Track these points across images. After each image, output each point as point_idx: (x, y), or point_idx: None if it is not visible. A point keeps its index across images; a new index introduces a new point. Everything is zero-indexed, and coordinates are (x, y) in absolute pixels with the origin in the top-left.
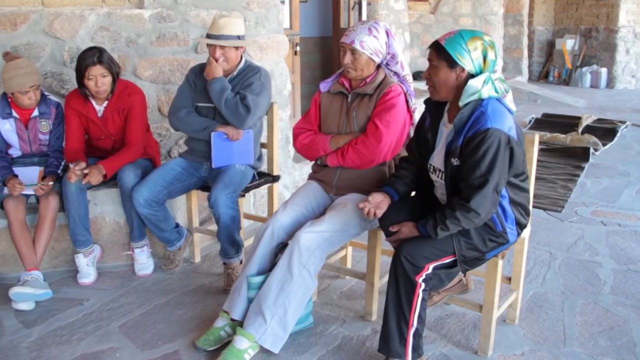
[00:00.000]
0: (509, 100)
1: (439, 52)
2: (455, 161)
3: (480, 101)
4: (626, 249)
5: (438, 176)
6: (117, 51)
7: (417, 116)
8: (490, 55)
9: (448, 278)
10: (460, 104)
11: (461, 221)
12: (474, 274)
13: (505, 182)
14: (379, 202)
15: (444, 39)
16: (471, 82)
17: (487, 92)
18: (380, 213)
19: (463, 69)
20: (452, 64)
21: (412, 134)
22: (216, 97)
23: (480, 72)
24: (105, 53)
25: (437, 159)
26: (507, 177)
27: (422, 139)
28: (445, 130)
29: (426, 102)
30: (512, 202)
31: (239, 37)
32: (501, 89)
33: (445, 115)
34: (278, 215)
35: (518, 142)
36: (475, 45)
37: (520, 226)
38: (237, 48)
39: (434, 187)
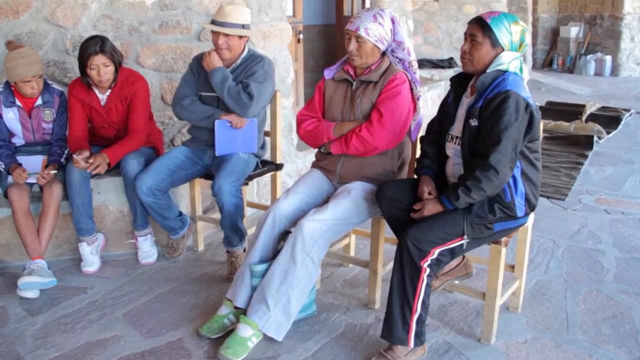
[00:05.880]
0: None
1: (485, 30)
2: (473, 122)
3: (503, 72)
4: (629, 236)
5: (455, 143)
6: (119, 39)
7: (421, 104)
8: (527, 39)
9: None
10: (489, 70)
11: (482, 181)
12: (477, 262)
13: (521, 146)
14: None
15: (489, 17)
16: (504, 54)
17: (513, 67)
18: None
19: (502, 49)
20: (495, 43)
21: (414, 123)
22: (218, 86)
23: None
24: (107, 42)
25: (456, 128)
26: (524, 141)
27: (444, 115)
28: (467, 100)
29: (452, 79)
30: (524, 175)
31: (243, 26)
32: (524, 72)
33: (469, 90)
34: (280, 202)
35: (537, 111)
36: (517, 29)
37: (530, 204)
38: (240, 37)
39: (446, 162)
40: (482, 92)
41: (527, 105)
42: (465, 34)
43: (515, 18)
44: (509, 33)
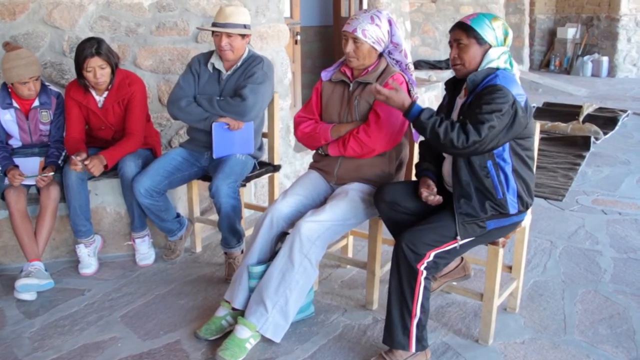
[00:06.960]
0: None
1: (468, 32)
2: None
3: (495, 69)
4: (626, 237)
5: None
6: (116, 41)
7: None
8: (510, 33)
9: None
10: (479, 69)
11: (450, 133)
12: (475, 263)
13: (501, 142)
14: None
15: (469, 19)
16: (491, 50)
17: (502, 62)
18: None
19: (490, 45)
20: (481, 41)
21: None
22: (208, 107)
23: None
24: (103, 44)
25: None
26: (505, 139)
27: None
28: (460, 101)
29: (446, 83)
30: (515, 172)
31: (245, 26)
32: (514, 67)
33: (463, 91)
34: (277, 204)
35: (524, 109)
36: (497, 24)
37: (522, 202)
38: (243, 37)
39: (443, 163)
40: (472, 90)
41: (514, 102)
42: (449, 42)
43: (493, 15)
44: (491, 29)
